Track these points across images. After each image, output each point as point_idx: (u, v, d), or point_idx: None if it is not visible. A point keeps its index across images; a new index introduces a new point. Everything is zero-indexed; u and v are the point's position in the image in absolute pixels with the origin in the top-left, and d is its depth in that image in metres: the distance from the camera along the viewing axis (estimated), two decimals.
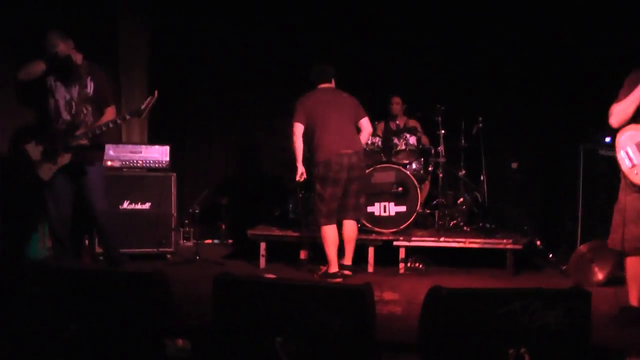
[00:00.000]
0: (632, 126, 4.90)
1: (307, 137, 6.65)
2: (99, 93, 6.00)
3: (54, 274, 3.82)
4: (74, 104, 5.89)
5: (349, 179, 6.53)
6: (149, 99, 6.02)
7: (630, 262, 5.03)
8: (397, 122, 8.73)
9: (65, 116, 5.89)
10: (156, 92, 6.05)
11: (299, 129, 6.62)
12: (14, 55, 6.94)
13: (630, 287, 5.03)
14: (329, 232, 6.57)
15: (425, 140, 8.41)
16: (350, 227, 6.71)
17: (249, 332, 3.43)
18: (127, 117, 6.07)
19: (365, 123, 6.81)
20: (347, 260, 6.72)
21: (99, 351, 3.49)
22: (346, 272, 6.59)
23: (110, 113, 6.06)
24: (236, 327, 3.48)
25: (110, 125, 5.94)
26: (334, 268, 6.57)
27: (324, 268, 6.69)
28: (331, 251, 6.57)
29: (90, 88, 5.95)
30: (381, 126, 8.73)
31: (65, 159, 5.83)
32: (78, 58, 5.90)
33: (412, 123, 8.59)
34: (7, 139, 6.44)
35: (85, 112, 5.94)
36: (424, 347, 3.50)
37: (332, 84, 6.94)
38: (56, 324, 3.63)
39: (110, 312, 3.62)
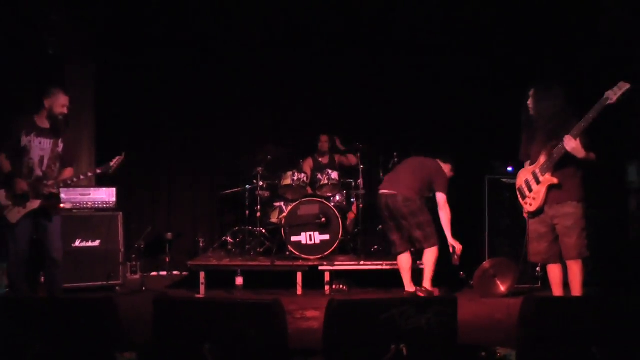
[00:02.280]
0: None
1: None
2: (66, 152, 6.53)
3: (19, 303, 4.57)
4: (45, 160, 6.36)
5: (392, 217, 7.22)
6: (117, 158, 6.63)
7: (549, 269, 5.96)
8: (323, 158, 9.46)
9: (38, 172, 6.30)
10: (124, 153, 6.63)
11: None
12: None
13: (553, 288, 5.95)
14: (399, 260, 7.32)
15: (353, 159, 9.15)
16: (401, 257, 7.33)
17: (183, 341, 4.20)
18: (98, 171, 6.72)
19: (439, 197, 7.25)
20: (408, 287, 7.30)
21: None
22: (420, 293, 7.10)
23: (68, 172, 6.56)
24: (172, 337, 4.26)
25: (75, 180, 6.52)
26: (407, 289, 7.24)
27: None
28: (402, 275, 7.29)
29: (60, 148, 6.45)
30: (309, 162, 9.43)
31: (34, 204, 6.22)
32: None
33: (337, 158, 9.39)
34: None
35: (53, 168, 6.42)
36: (326, 349, 4.30)
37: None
38: (22, 346, 4.36)
39: (69, 333, 4.37)
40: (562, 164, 5.62)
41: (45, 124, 6.42)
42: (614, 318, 4.24)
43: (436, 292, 7.21)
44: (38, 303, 4.82)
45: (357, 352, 4.12)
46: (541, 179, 5.71)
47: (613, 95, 5.29)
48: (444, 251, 7.21)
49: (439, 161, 7.46)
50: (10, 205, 6.20)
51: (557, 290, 5.92)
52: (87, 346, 4.34)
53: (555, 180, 5.64)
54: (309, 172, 9.14)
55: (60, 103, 6.42)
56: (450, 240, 7.14)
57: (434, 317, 4.14)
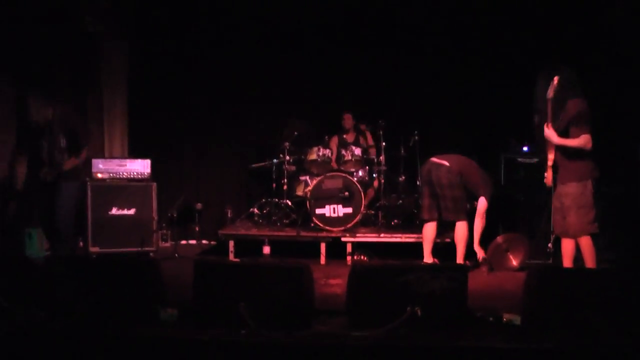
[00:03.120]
0: None
1: None
2: (71, 142, 7.10)
3: (75, 261, 5.06)
4: (52, 151, 7.01)
5: (431, 184, 7.49)
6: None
7: (562, 243, 6.30)
8: (348, 135, 9.79)
9: (45, 159, 7.05)
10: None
11: None
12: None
13: (564, 261, 6.30)
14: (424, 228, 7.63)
15: (372, 151, 9.44)
16: (428, 226, 7.63)
17: (220, 300, 4.68)
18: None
19: (481, 202, 7.53)
20: (427, 258, 7.58)
21: (112, 316, 4.69)
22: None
23: (83, 154, 7.25)
24: (211, 297, 4.74)
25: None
26: (426, 260, 7.52)
27: None
28: (424, 245, 7.60)
29: (63, 142, 7.03)
30: (335, 139, 9.78)
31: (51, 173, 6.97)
32: (48, 113, 7.03)
33: (361, 137, 9.75)
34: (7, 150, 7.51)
35: (62, 156, 7.07)
36: (349, 309, 4.76)
37: None
38: (72, 303, 4.85)
39: (116, 290, 4.86)
40: (557, 147, 6.04)
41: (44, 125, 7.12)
42: (614, 290, 4.65)
43: None
44: (87, 262, 5.34)
45: (376, 312, 4.56)
46: (547, 159, 6.12)
47: (550, 91, 5.86)
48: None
49: None
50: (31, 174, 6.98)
51: (567, 264, 6.24)
52: (132, 302, 4.83)
53: (550, 162, 6.07)
54: (334, 149, 9.42)
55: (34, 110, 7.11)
56: (476, 246, 7.50)
57: (446, 283, 4.58)
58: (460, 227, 7.46)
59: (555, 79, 5.91)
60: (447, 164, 7.48)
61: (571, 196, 6.00)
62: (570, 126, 5.92)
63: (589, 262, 6.03)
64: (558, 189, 6.14)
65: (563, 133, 5.96)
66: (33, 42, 8.25)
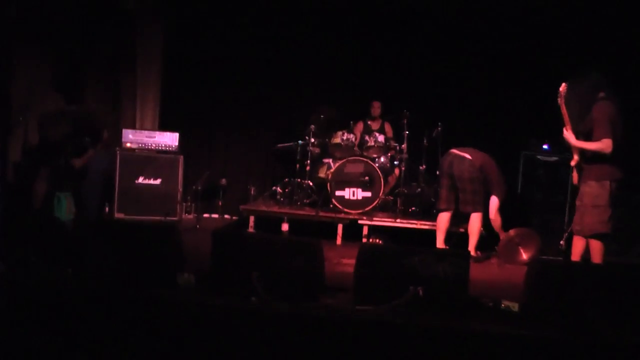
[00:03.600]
0: None
1: None
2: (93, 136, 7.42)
3: (100, 225, 5.34)
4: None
5: (451, 176, 7.65)
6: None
7: (573, 240, 6.41)
8: (374, 122, 9.99)
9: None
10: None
11: None
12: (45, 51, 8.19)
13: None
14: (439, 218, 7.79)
15: (392, 143, 9.54)
16: (442, 215, 7.80)
17: (235, 269, 4.94)
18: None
19: (493, 201, 7.71)
20: (439, 245, 7.73)
21: (133, 278, 4.97)
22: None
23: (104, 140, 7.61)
24: (226, 265, 5.01)
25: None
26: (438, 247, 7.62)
27: None
28: (437, 234, 7.76)
29: (87, 143, 7.42)
30: (359, 126, 9.97)
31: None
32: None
33: (387, 126, 9.94)
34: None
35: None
36: (356, 285, 5.00)
37: None
38: (102, 260, 5.13)
39: (136, 252, 5.12)
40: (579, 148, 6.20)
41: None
42: (613, 286, 4.82)
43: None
44: (111, 226, 5.62)
45: (381, 291, 4.79)
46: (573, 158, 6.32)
47: (560, 100, 6.02)
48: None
49: None
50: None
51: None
52: (153, 266, 5.10)
53: (572, 162, 6.25)
54: (358, 134, 9.61)
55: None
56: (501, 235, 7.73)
57: (449, 267, 4.80)
58: (476, 219, 7.63)
59: (563, 85, 6.06)
60: (469, 157, 7.62)
61: (589, 195, 6.12)
62: (593, 129, 6.03)
63: (597, 260, 6.16)
64: (580, 187, 6.29)
65: (589, 135, 6.09)
66: (69, 15, 8.49)
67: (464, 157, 7.63)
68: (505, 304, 5.01)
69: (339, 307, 4.72)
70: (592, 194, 6.11)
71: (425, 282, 4.75)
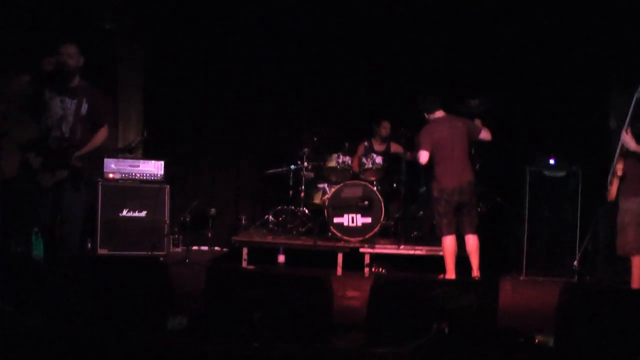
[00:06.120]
0: None
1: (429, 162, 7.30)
2: (92, 114, 6.03)
3: (80, 263, 4.79)
4: (68, 121, 5.94)
5: (457, 202, 7.13)
6: (139, 138, 6.55)
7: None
8: (380, 145, 9.51)
9: (58, 132, 5.90)
10: (146, 132, 6.55)
11: (425, 156, 7.21)
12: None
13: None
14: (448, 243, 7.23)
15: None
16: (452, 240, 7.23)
17: (234, 309, 4.39)
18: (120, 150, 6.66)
19: (485, 135, 7.40)
20: (451, 273, 7.16)
21: (117, 322, 4.43)
22: None
23: (102, 133, 6.14)
24: (224, 305, 4.46)
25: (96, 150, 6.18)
26: (450, 275, 7.11)
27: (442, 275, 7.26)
28: (448, 260, 7.19)
29: (84, 109, 5.97)
30: (363, 145, 9.48)
31: (62, 174, 5.88)
32: (77, 77, 6.03)
33: (395, 146, 9.44)
34: (10, 143, 7.08)
35: (77, 130, 5.97)
36: (370, 323, 4.46)
37: (444, 113, 7.46)
38: (78, 304, 4.59)
39: (123, 293, 4.59)
40: (629, 155, 5.73)
41: (67, 82, 6.00)
42: None
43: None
44: (93, 264, 5.07)
45: (399, 329, 4.27)
46: (616, 168, 5.80)
47: None
48: None
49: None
50: (40, 169, 5.90)
51: (635, 285, 5.88)
52: (139, 308, 4.56)
53: (618, 172, 5.74)
54: (361, 152, 9.29)
55: (67, 53, 5.91)
56: None
57: (475, 299, 4.28)
58: (475, 238, 7.21)
59: None
60: (468, 180, 7.22)
61: (631, 212, 5.74)
62: None
63: (636, 282, 5.77)
64: (620, 203, 5.84)
65: None
66: (49, 37, 7.87)
67: (465, 183, 7.18)
68: (539, 338, 4.49)
69: (354, 349, 4.19)
70: (634, 212, 5.73)
71: (449, 317, 4.22)
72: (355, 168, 8.96)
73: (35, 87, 5.96)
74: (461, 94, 7.87)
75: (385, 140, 9.52)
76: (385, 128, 9.44)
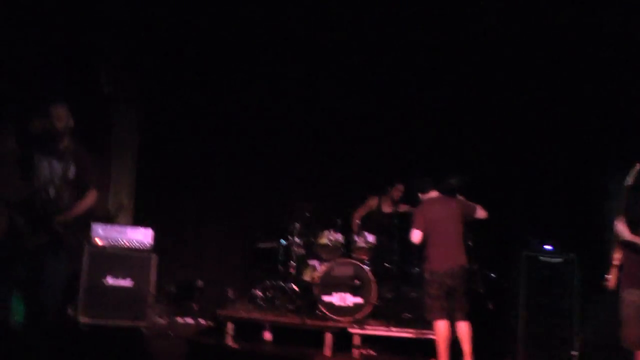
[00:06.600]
0: None
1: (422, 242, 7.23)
2: (80, 177, 6.01)
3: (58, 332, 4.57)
4: (53, 184, 5.90)
5: (450, 287, 6.98)
6: (119, 206, 6.41)
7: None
8: (389, 206, 9.38)
9: (44, 195, 5.87)
10: (126, 200, 6.41)
11: (417, 235, 7.18)
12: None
13: None
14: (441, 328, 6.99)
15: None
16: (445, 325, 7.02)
17: None
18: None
19: (481, 213, 7.38)
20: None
21: None
22: None
23: (90, 197, 6.07)
24: None
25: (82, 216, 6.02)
26: None
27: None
28: (442, 346, 6.96)
29: (72, 172, 5.97)
30: (374, 201, 9.43)
31: (44, 238, 5.79)
32: (66, 139, 5.97)
33: (403, 207, 9.17)
34: None
35: (64, 193, 5.94)
36: None
37: (437, 193, 7.43)
38: None
39: None
40: (625, 245, 5.59)
41: (55, 144, 5.98)
42: None
43: None
44: (66, 332, 4.83)
45: None
46: (613, 258, 5.68)
47: (629, 179, 5.48)
48: None
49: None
50: (24, 229, 5.81)
51: None
52: None
53: (615, 261, 5.62)
54: (372, 206, 9.35)
55: (56, 115, 5.91)
56: None
57: None
58: (467, 325, 7.01)
59: (638, 164, 5.56)
60: (461, 264, 7.11)
61: (633, 305, 5.56)
62: None
63: None
64: (621, 295, 5.69)
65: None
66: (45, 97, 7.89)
67: (458, 267, 7.07)
68: None
69: None
70: (633, 305, 5.54)
71: None
72: (357, 219, 9.27)
73: (24, 147, 5.92)
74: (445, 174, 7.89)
75: (395, 203, 9.37)
76: (398, 190, 9.32)
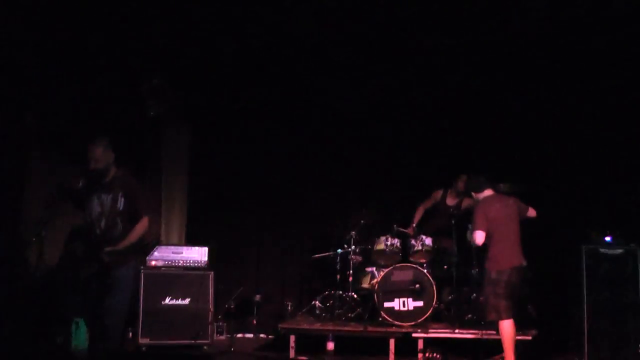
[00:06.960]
0: None
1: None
2: (130, 207, 6.08)
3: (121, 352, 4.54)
4: (105, 217, 5.99)
5: (514, 285, 6.94)
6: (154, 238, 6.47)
7: None
8: (453, 199, 9.22)
9: (97, 229, 5.99)
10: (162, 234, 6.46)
11: (481, 236, 7.02)
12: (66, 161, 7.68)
13: None
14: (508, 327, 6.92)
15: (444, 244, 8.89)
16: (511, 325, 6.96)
17: None
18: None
19: (532, 213, 7.36)
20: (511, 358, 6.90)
21: None
22: None
23: (141, 225, 6.11)
24: None
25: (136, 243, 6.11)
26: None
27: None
28: (509, 345, 6.88)
29: (121, 203, 6.04)
30: (439, 194, 9.30)
31: (93, 268, 5.92)
32: (112, 170, 6.12)
33: (467, 201, 8.88)
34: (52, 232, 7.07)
35: (116, 224, 6.03)
36: None
37: (492, 191, 7.32)
38: None
39: None
40: None
41: (101, 178, 6.11)
42: None
43: None
44: (134, 354, 4.80)
45: None
46: None
47: None
48: None
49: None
50: (82, 259, 6.05)
51: None
52: None
53: None
54: (436, 198, 9.26)
55: (92, 157, 6.05)
56: None
57: None
58: (511, 323, 6.90)
59: None
60: (523, 263, 7.06)
61: None
62: None
63: None
64: None
65: None
66: (94, 126, 7.98)
67: (521, 266, 7.03)
68: None
69: None
70: None
71: None
72: (421, 212, 9.25)
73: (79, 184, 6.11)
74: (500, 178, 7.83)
75: (460, 195, 9.18)
76: (462, 181, 9.02)
